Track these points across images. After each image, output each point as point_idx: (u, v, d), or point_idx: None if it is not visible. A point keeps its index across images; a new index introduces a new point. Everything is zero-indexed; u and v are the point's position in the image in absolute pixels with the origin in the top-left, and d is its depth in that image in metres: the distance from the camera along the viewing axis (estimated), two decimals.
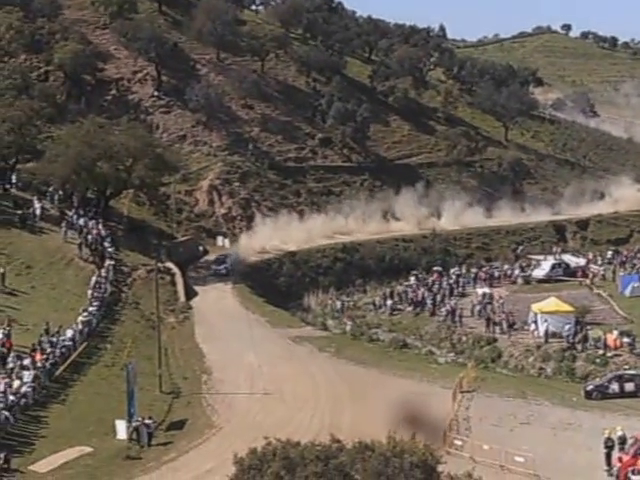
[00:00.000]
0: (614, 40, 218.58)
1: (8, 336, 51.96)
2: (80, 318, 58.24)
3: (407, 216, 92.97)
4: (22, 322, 56.10)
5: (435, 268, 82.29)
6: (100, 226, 73.05)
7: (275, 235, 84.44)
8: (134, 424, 45.79)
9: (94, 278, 64.95)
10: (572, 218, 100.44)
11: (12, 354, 50.35)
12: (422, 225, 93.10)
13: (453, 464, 29.76)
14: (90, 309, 60.55)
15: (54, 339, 53.66)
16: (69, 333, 55.40)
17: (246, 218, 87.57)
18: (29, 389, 47.09)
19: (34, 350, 51.12)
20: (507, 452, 42.01)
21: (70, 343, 54.77)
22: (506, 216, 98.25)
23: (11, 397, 45.33)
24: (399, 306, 74.16)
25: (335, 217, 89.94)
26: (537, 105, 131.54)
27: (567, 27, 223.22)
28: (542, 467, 41.16)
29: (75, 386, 51.63)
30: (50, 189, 75.80)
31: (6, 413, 43.82)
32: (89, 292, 62.76)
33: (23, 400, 46.39)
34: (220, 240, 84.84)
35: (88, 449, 44.15)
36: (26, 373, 47.98)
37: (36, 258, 66.34)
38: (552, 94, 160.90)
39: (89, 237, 70.76)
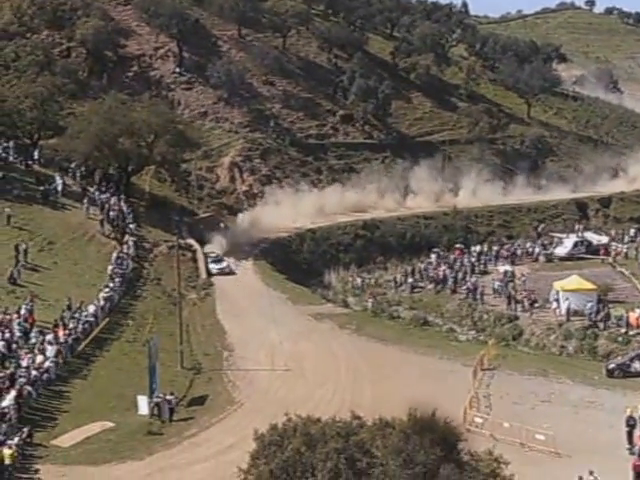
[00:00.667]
0: (639, 16, 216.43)
1: (31, 311, 52.25)
2: (102, 294, 58.47)
3: (427, 193, 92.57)
4: (44, 298, 56.35)
5: (456, 245, 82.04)
6: (122, 202, 73.20)
7: (293, 211, 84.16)
8: (155, 400, 46.02)
9: (115, 254, 65.14)
10: (594, 195, 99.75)
11: (35, 329, 50.65)
12: (442, 202, 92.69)
13: (473, 442, 29.66)
14: (111, 285, 60.77)
15: (76, 315, 53.92)
16: (91, 309, 55.67)
17: (267, 194, 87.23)
18: (52, 364, 47.39)
19: (56, 326, 51.39)
20: (528, 430, 42.02)
21: (92, 319, 55.03)
22: (528, 193, 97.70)
23: (34, 372, 45.64)
24: (420, 284, 73.95)
25: (355, 193, 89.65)
26: (560, 82, 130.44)
27: (591, 3, 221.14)
28: (563, 445, 41.13)
29: (97, 361, 51.93)
30: (72, 165, 75.91)
31: (29, 388, 44.13)
32: (110, 268, 62.93)
33: (46, 375, 46.71)
34: (240, 217, 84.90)
35: (110, 424, 44.44)
36: (49, 348, 48.28)
37: (58, 234, 66.53)
38: (575, 70, 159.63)
39: (111, 213, 70.91)
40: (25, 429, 40.95)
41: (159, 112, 79.40)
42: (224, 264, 71.98)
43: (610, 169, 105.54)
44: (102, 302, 57.37)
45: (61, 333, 50.52)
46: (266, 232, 79.91)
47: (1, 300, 53.81)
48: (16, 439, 39.56)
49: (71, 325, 52.30)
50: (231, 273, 71.65)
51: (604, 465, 36.75)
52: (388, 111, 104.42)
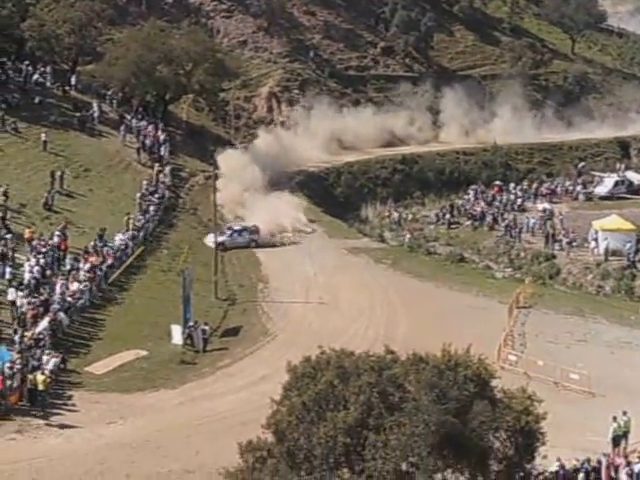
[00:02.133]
0: None
1: (64, 238, 52.22)
2: (137, 222, 58.42)
3: (467, 128, 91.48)
4: (79, 224, 56.44)
5: (495, 182, 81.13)
6: (158, 131, 72.76)
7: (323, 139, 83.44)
8: (189, 329, 46.07)
9: (145, 182, 64.75)
10: (637, 135, 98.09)
11: (69, 256, 50.64)
12: (482, 138, 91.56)
13: (507, 379, 29.52)
14: (147, 214, 60.67)
15: (110, 243, 53.90)
16: (125, 236, 55.56)
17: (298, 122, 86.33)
18: (86, 291, 47.44)
19: (87, 252, 51.36)
20: (562, 369, 41.94)
21: (127, 247, 55.02)
22: (569, 131, 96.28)
23: (68, 299, 45.72)
24: (457, 220, 73.31)
25: (391, 125, 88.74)
26: (605, 17, 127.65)
27: None
28: (597, 385, 41.01)
29: (131, 290, 52.06)
30: (109, 92, 75.47)
31: (63, 315, 44.22)
32: (138, 195, 62.54)
33: (80, 302, 46.83)
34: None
35: (143, 352, 44.67)
36: (83, 275, 48.31)
37: (94, 161, 66.39)
38: (622, 6, 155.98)
39: (147, 142, 70.58)
40: (59, 355, 41.11)
41: (198, 40, 78.52)
42: (253, 236, 64.09)
43: None
44: (137, 230, 57.25)
45: (94, 260, 50.49)
46: (299, 162, 78.98)
47: (35, 226, 53.90)
48: (51, 364, 39.73)
49: (105, 252, 52.29)
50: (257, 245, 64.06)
51: (638, 405, 36.40)
52: (430, 44, 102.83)
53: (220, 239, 59.55)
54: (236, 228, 63.95)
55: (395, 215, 75.96)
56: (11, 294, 44.22)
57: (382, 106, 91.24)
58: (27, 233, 51.57)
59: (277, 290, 54.92)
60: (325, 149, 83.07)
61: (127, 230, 56.92)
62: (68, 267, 49.32)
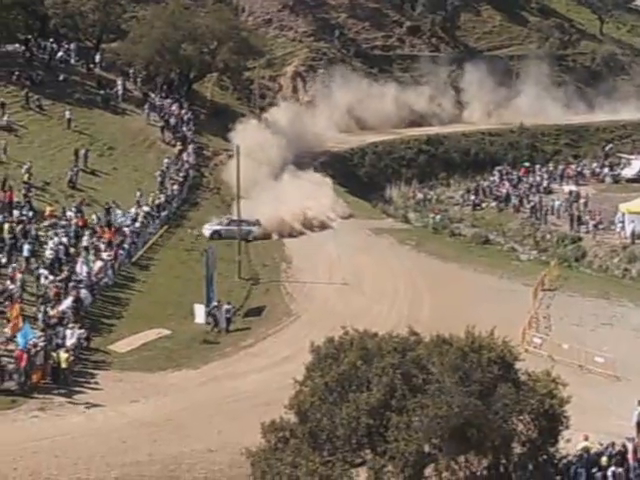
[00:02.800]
0: None
1: (81, 215, 52.18)
2: (159, 201, 58.37)
3: (492, 108, 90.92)
4: (103, 203, 56.37)
5: (522, 164, 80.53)
6: (183, 109, 72.59)
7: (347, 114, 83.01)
8: (212, 309, 46.00)
9: (166, 160, 64.56)
10: None
11: (87, 233, 50.46)
12: (507, 118, 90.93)
13: (531, 362, 29.45)
14: (170, 192, 60.60)
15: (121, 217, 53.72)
16: (132, 211, 55.24)
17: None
18: (109, 269, 47.41)
19: (101, 227, 51.17)
20: (587, 352, 41.64)
21: (148, 223, 54.95)
22: (597, 112, 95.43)
23: (91, 277, 45.69)
24: (483, 201, 72.84)
25: (414, 104, 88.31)
26: None
27: None
28: (622, 368, 40.66)
29: (155, 269, 52.00)
30: (132, 70, 75.30)
31: (85, 292, 44.14)
32: (158, 173, 62.45)
33: (103, 281, 46.81)
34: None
35: (166, 331, 44.68)
36: (105, 254, 48.25)
37: (118, 139, 66.38)
38: None
39: (171, 120, 70.44)
40: (84, 332, 41.14)
41: (223, 18, 78.32)
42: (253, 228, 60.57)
43: None
44: (146, 207, 56.92)
45: (107, 235, 50.36)
46: (319, 140, 78.51)
47: (58, 204, 53.95)
48: (74, 338, 39.77)
49: (127, 231, 52.23)
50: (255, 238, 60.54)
51: None
52: (456, 24, 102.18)
53: (216, 227, 58.88)
54: (234, 219, 59.37)
55: (420, 196, 75.63)
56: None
57: (406, 85, 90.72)
58: (47, 210, 51.56)
59: (300, 270, 54.76)
60: (346, 127, 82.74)
61: (139, 206, 56.66)
62: (85, 243, 49.12)
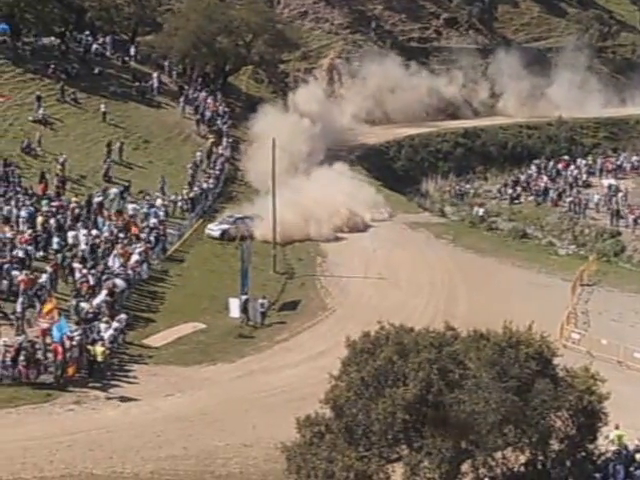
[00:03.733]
0: None
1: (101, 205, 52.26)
2: (192, 194, 58.32)
3: (531, 101, 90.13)
4: (138, 197, 56.37)
5: (562, 157, 79.74)
6: (218, 103, 72.50)
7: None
8: (247, 303, 45.85)
9: (198, 154, 64.42)
10: None
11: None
12: (545, 111, 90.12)
13: (569, 358, 29.13)
14: (205, 186, 60.52)
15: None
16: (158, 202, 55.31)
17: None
18: (143, 263, 47.35)
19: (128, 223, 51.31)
20: (626, 348, 41.22)
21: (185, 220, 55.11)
22: (637, 105, 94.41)
23: (127, 271, 45.65)
24: (520, 195, 72.20)
25: (449, 94, 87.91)
26: None
27: None
28: None
29: (189, 263, 51.92)
30: (167, 63, 75.30)
31: (120, 282, 44.00)
32: (189, 166, 62.26)
33: (138, 274, 46.77)
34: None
35: (201, 325, 44.63)
36: (139, 248, 48.15)
37: (154, 133, 66.48)
38: None
39: (207, 113, 70.39)
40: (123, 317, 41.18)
41: (258, 11, 78.27)
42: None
43: None
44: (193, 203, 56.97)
45: (135, 230, 50.35)
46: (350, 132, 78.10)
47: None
48: (115, 325, 40.00)
49: (160, 226, 52.19)
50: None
51: None
52: (494, 15, 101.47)
53: (224, 227, 56.12)
54: (238, 216, 57.47)
55: (457, 189, 75.11)
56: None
57: (442, 77, 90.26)
58: (72, 202, 51.63)
59: (336, 264, 54.52)
60: (379, 119, 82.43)
61: (164, 194, 56.68)
62: (106, 233, 49.01)
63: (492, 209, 69.53)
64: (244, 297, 45.75)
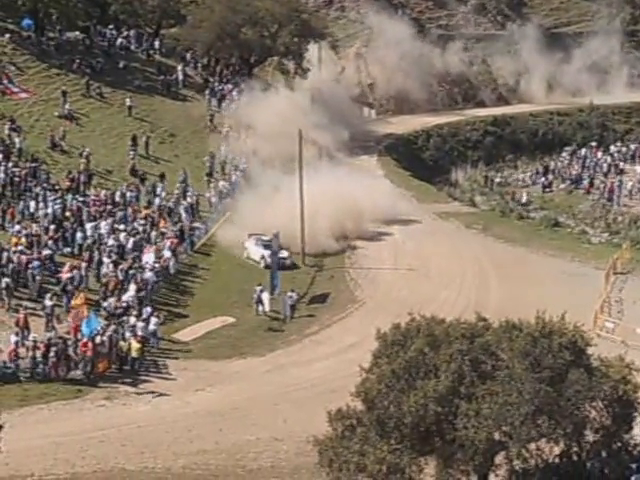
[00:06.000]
0: None
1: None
2: (220, 187, 58.10)
3: (562, 87, 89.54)
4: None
5: (592, 143, 78.97)
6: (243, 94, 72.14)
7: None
8: (277, 296, 45.69)
9: (223, 148, 64.09)
10: None
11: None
12: (576, 97, 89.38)
13: (604, 347, 28.65)
14: (232, 179, 60.29)
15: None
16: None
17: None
18: (172, 258, 47.18)
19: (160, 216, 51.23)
20: None
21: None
22: None
23: (156, 265, 45.51)
24: (552, 183, 71.55)
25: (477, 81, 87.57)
26: None
27: None
28: None
29: (217, 256, 51.71)
30: (192, 55, 75.05)
31: (150, 275, 43.86)
32: (206, 158, 62.03)
33: (167, 269, 46.62)
34: (366, 111, 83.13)
35: (231, 319, 44.50)
36: (167, 243, 47.98)
37: (179, 126, 66.36)
38: None
39: (232, 106, 70.05)
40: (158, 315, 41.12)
41: (283, 1, 77.75)
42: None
43: None
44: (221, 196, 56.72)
45: (162, 224, 50.19)
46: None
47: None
48: (151, 326, 40.10)
49: (186, 222, 52.04)
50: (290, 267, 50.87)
51: None
52: (523, 1, 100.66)
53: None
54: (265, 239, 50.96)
55: (487, 178, 74.55)
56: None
57: (469, 64, 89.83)
58: (101, 195, 51.62)
59: (365, 256, 54.18)
60: (405, 108, 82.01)
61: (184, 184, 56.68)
62: (130, 227, 48.90)
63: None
64: (277, 292, 45.54)
